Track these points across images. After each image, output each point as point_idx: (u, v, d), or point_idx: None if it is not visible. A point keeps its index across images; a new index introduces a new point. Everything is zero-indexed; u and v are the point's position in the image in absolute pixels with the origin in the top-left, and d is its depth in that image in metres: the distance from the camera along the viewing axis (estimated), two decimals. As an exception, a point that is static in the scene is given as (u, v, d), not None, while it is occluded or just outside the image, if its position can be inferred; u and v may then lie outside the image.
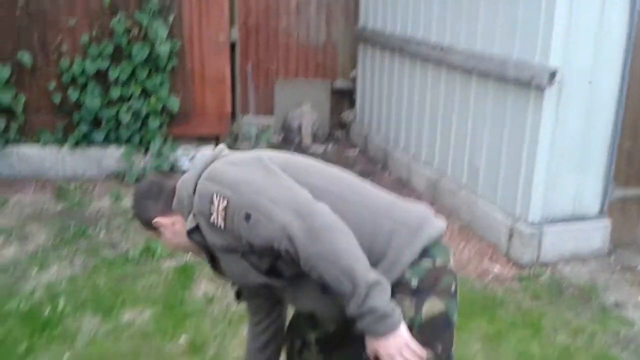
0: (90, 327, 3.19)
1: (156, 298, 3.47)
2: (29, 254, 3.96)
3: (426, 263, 1.65)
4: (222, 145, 1.83)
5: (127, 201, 4.84)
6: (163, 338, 3.11)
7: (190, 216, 1.70)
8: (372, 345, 1.58)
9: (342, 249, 1.51)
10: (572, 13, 3.63)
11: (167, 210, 1.80)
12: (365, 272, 1.51)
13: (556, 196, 3.95)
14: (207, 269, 3.72)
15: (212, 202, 1.61)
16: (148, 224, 1.85)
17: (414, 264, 1.64)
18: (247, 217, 1.56)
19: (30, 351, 2.97)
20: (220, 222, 1.61)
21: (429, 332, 1.64)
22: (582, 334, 3.26)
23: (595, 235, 4.07)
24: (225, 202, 1.59)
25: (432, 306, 1.64)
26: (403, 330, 1.56)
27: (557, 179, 3.92)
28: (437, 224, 1.73)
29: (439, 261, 1.67)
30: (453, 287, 1.70)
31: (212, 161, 1.72)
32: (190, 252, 1.91)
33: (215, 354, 3.01)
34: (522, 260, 3.93)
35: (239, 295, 2.00)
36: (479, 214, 4.35)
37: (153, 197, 1.83)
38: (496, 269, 3.93)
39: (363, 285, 1.50)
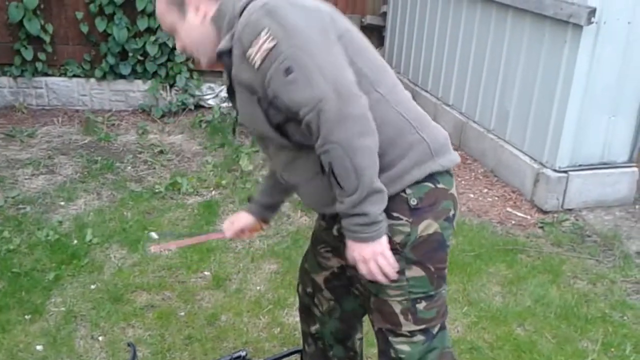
0: (116, 258, 3.28)
1: (181, 232, 3.53)
2: (57, 185, 4.04)
3: (428, 184, 1.63)
4: None
5: (154, 136, 4.89)
6: (187, 271, 3.19)
7: (227, 37, 1.56)
8: (350, 247, 1.58)
9: (363, 146, 1.47)
10: (614, -49, 3.49)
11: None
12: (374, 176, 1.50)
13: (585, 141, 3.89)
14: (231, 205, 3.81)
15: (258, 37, 1.47)
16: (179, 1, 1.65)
17: (417, 182, 1.62)
18: (287, 70, 1.45)
19: (58, 280, 3.07)
20: (257, 61, 1.48)
21: (423, 251, 1.64)
22: (601, 281, 3.26)
23: (622, 183, 4.01)
24: (272, 44, 1.46)
25: (428, 226, 1.63)
26: (384, 241, 1.56)
27: (588, 123, 3.85)
28: (453, 156, 1.70)
29: (441, 185, 1.65)
30: (452, 212, 1.68)
31: None
32: (199, 58, 1.73)
33: (238, 288, 3.08)
34: (546, 206, 3.91)
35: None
36: (505, 159, 4.31)
37: None
38: (519, 214, 3.92)
39: (367, 188, 1.48)
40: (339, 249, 1.80)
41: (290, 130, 1.58)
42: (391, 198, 1.58)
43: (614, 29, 3.66)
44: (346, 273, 1.88)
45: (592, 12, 3.52)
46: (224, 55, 1.57)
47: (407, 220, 1.61)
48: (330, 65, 1.47)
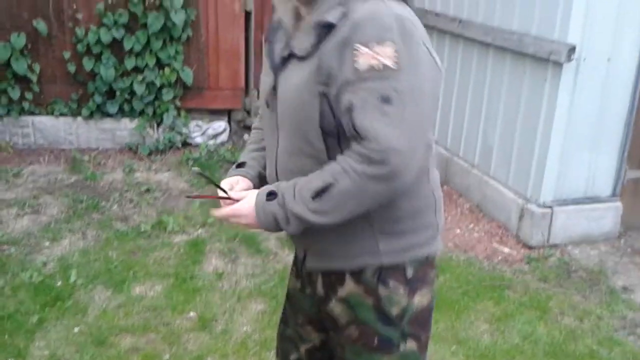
0: (101, 300, 3.25)
1: (167, 272, 3.51)
2: (42, 226, 4.00)
3: (421, 257, 1.63)
4: None
5: (140, 174, 4.88)
6: (173, 312, 3.16)
7: (338, 10, 1.38)
8: (246, 206, 1.52)
9: (371, 207, 1.43)
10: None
11: None
12: (337, 222, 1.44)
13: (569, 177, 3.93)
14: (218, 243, 3.79)
15: (382, 43, 1.31)
16: None
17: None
18: (387, 99, 1.32)
19: (42, 323, 3.03)
20: (362, 64, 1.32)
21: (419, 323, 1.64)
22: (588, 317, 3.26)
23: (607, 217, 4.05)
24: (391, 63, 1.31)
25: (422, 297, 1.63)
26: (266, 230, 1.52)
27: (570, 159, 3.89)
28: (441, 245, 1.71)
29: (430, 257, 1.66)
30: (435, 282, 1.71)
31: None
32: None
33: (224, 329, 3.05)
34: (532, 242, 3.92)
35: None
36: (490, 195, 4.33)
37: None
38: (505, 250, 3.93)
39: (323, 223, 1.43)
40: (319, 322, 1.77)
41: (331, 143, 1.45)
42: (390, 267, 1.58)
43: (593, 66, 3.72)
44: (329, 346, 1.82)
45: (572, 49, 3.59)
46: (324, 27, 1.39)
47: (403, 291, 1.60)
48: (425, 127, 1.39)
